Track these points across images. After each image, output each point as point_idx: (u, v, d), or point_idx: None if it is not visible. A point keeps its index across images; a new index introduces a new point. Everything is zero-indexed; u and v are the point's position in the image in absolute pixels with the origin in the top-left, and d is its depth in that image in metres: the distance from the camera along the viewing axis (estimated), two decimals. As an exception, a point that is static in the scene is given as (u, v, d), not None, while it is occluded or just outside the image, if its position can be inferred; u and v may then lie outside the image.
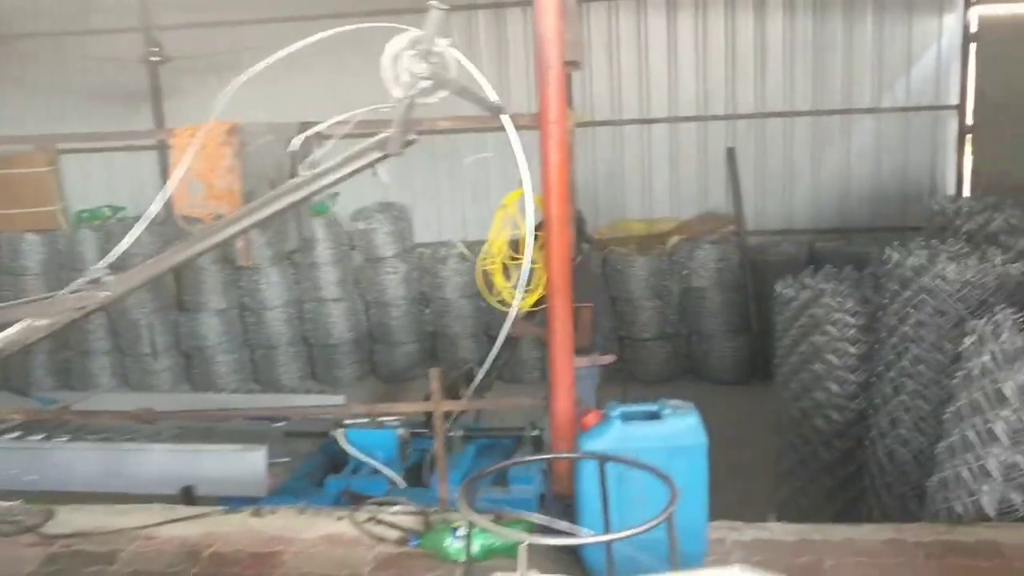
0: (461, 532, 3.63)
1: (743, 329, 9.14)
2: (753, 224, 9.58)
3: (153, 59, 8.34)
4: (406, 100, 2.56)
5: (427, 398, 5.57)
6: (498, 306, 4.12)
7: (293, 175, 3.81)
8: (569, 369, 3.75)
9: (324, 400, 5.84)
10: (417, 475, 5.18)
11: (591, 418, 3.48)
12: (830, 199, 9.45)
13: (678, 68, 9.38)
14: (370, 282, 9.70)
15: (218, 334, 9.72)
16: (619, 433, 3.40)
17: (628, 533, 2.55)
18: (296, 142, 3.38)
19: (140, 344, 9.81)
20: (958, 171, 9.19)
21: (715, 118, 9.42)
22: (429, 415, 5.24)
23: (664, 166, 9.63)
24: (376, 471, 5.00)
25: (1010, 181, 8.07)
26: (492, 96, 2.87)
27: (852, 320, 5.59)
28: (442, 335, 9.65)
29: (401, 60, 2.49)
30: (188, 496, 4.76)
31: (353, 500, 4.86)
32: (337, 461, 5.28)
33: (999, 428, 3.70)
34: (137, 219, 9.67)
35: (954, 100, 9.09)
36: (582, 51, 3.54)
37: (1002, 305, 4.18)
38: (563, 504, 3.73)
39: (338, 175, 2.67)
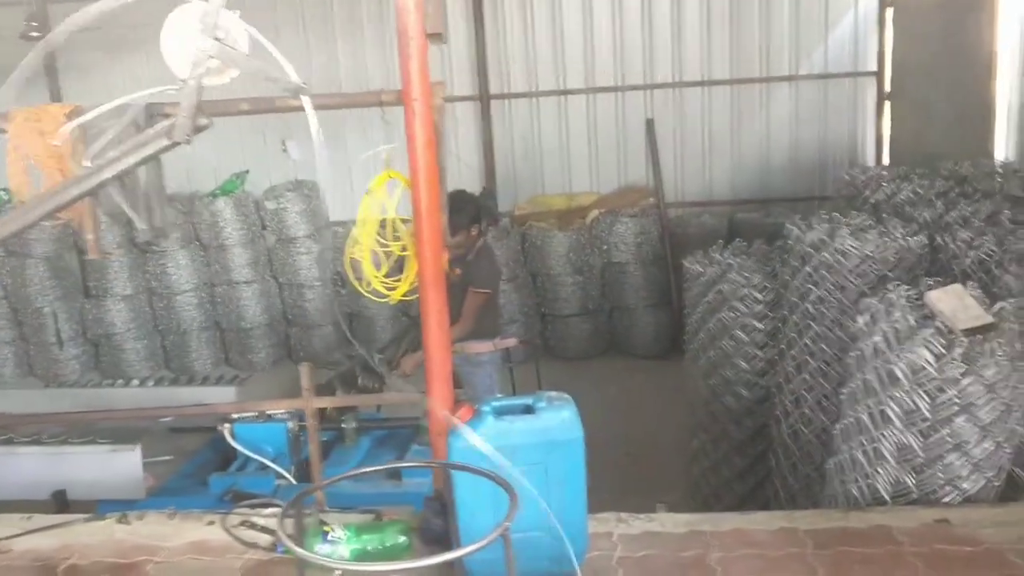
0: (333, 536, 3.42)
1: (664, 303, 9.03)
2: (673, 196, 9.45)
3: (33, 35, 7.90)
4: (192, 81, 2.30)
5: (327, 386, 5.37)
6: (370, 296, 3.88)
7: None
8: (444, 363, 3.53)
9: (213, 393, 5.55)
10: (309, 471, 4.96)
11: (464, 413, 3.27)
12: (750, 170, 9.35)
13: (594, 38, 9.17)
14: (283, 263, 9.40)
15: (126, 320, 9.37)
16: (491, 429, 3.20)
17: (468, 550, 2.35)
18: (63, 132, 3.09)
19: (45, 333, 9.42)
20: (877, 139, 9.12)
21: (633, 88, 9.23)
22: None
23: (582, 139, 9.44)
24: (265, 467, 4.77)
25: (926, 148, 8.03)
26: (292, 76, 2.61)
27: (759, 296, 5.44)
28: (359, 316, 9.40)
29: (186, 36, 2.23)
30: (60, 501, 4.49)
31: (237, 500, 4.63)
32: (228, 457, 5.04)
33: (890, 410, 3.57)
34: (9, 201, 9.20)
35: (872, 67, 9.01)
36: (445, 22, 3.28)
37: (896, 282, 4.06)
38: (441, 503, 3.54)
39: (123, 165, 2.39)
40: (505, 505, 3.16)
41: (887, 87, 8.94)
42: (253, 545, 3.65)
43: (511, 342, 5.98)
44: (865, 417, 3.73)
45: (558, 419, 3.22)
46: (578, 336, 9.23)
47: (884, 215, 5.17)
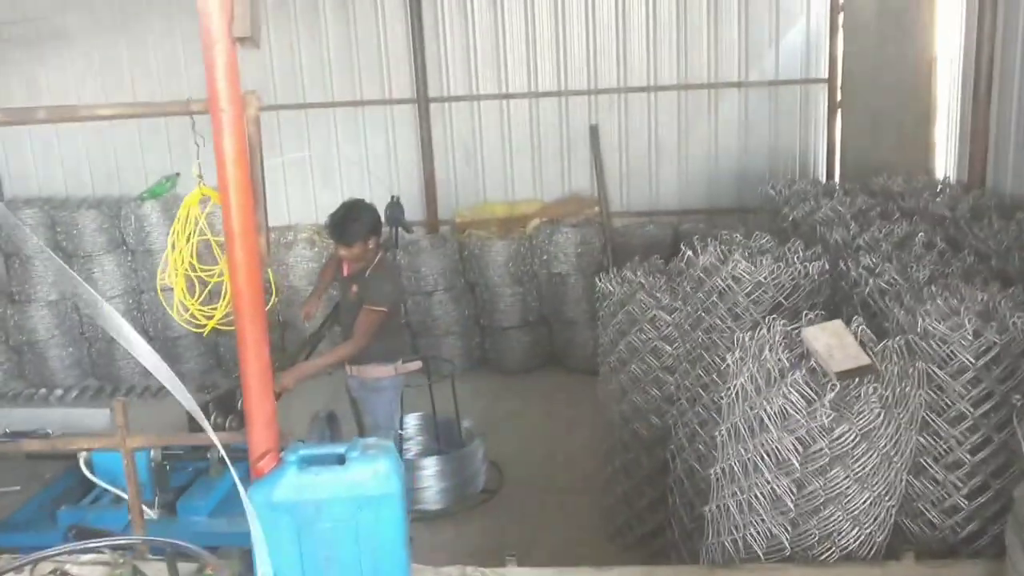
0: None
1: (605, 317, 8.68)
2: (618, 205, 9.12)
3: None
4: None
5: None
6: (188, 326, 3.54)
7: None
8: (264, 402, 3.18)
9: (84, 416, 5.20)
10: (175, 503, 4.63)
11: (267, 462, 2.93)
12: (697, 179, 9.02)
13: (536, 41, 8.83)
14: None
15: (49, 327, 9.02)
16: (294, 481, 2.87)
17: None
18: None
19: (-35, 338, 9.09)
20: (828, 149, 8.78)
21: (576, 93, 8.89)
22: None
23: (525, 145, 9.10)
24: (120, 500, 4.43)
25: (874, 160, 7.72)
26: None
27: (669, 318, 5.11)
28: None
29: None
30: None
31: (80, 536, 4.30)
32: (89, 487, 4.70)
33: (760, 459, 3.24)
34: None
35: (823, 74, 8.67)
36: (257, 26, 2.94)
37: (783, 312, 3.73)
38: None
39: None
40: (310, 562, 2.85)
41: (838, 95, 8.59)
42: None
43: (414, 366, 5.62)
44: (735, 464, 3.40)
45: (370, 472, 2.88)
46: (517, 349, 8.89)
47: (792, 236, 4.85)
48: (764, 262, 4.12)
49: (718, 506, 3.58)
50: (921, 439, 3.46)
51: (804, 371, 3.25)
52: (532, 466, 6.97)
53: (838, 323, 3.33)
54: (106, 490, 4.48)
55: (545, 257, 8.73)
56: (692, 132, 8.90)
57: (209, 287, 3.43)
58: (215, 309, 3.46)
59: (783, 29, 8.59)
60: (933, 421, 3.42)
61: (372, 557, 2.89)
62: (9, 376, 9.25)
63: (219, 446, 3.01)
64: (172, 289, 3.49)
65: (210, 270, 3.33)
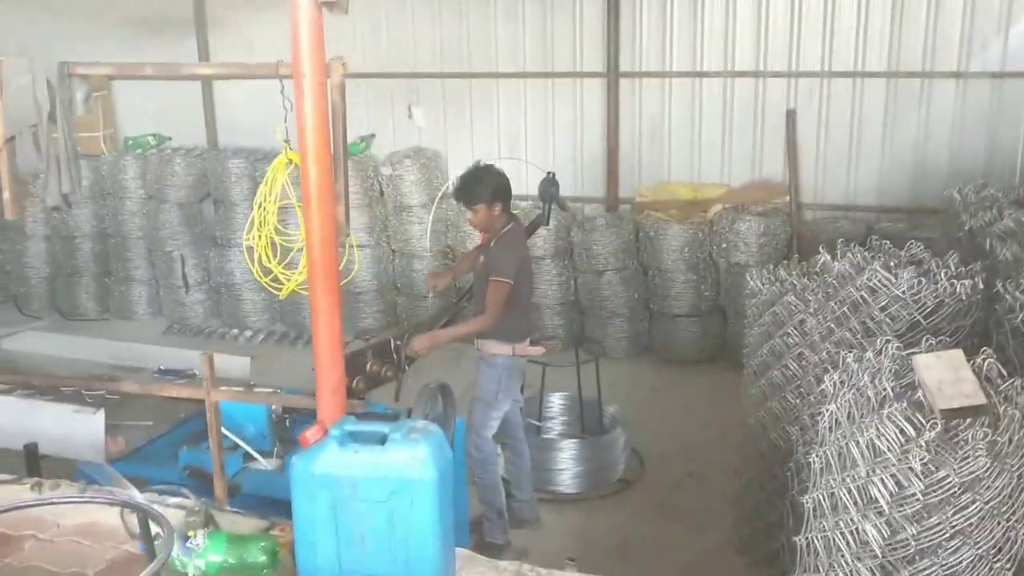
0: (192, 543, 3.17)
1: (781, 313, 8.19)
2: (810, 197, 8.55)
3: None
4: None
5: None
6: (272, 288, 3.57)
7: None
8: (333, 371, 3.18)
9: (226, 363, 5.40)
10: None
11: (313, 433, 2.91)
12: (900, 174, 8.28)
13: (736, 17, 8.36)
14: (395, 230, 9.27)
15: (244, 271, 9.54)
16: (334, 456, 2.83)
17: None
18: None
19: (173, 276, 9.80)
20: (1058, 151, 7.84)
21: (775, 75, 8.37)
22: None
23: (716, 126, 8.67)
24: (236, 447, 4.61)
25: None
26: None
27: (815, 323, 4.71)
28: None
29: None
30: (31, 454, 4.51)
31: (193, 476, 4.50)
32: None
33: (844, 494, 2.91)
34: (179, 149, 9.64)
35: (1058, 67, 7.73)
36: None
37: (924, 334, 3.32)
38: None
39: None
40: (346, 536, 2.81)
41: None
42: (134, 536, 3.46)
43: (536, 350, 5.47)
44: (824, 497, 3.07)
45: (408, 456, 2.81)
46: (686, 339, 8.58)
47: (968, 247, 4.33)
48: (905, 274, 3.68)
49: (807, 540, 3.26)
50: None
51: (907, 404, 2.87)
52: (677, 462, 6.72)
53: (957, 353, 2.92)
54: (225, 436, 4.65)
55: (724, 245, 8.35)
56: (899, 124, 8.18)
57: (292, 254, 3.44)
58: (298, 274, 3.47)
59: (1016, 14, 7.69)
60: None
61: (405, 542, 2.82)
62: (208, 314, 9.92)
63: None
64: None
65: (291, 236, 3.34)
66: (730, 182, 8.75)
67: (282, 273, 3.46)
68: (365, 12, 9.16)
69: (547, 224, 6.19)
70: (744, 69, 8.44)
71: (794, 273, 4.99)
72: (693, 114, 8.72)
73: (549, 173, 6.01)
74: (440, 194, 9.14)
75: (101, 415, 4.36)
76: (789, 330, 4.83)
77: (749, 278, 5.30)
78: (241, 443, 4.57)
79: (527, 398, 6.60)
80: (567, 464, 6.32)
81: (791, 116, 8.43)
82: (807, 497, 3.26)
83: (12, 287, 10.36)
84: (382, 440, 2.85)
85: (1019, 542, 2.91)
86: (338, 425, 2.91)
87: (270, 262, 3.43)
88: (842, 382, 3.02)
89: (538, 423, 6.58)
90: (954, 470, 2.71)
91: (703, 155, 8.79)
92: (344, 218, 3.16)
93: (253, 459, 4.63)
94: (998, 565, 2.92)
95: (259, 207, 3.44)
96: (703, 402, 7.65)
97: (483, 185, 5.14)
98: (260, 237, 3.40)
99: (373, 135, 9.48)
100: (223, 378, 5.10)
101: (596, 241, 8.48)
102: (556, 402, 6.89)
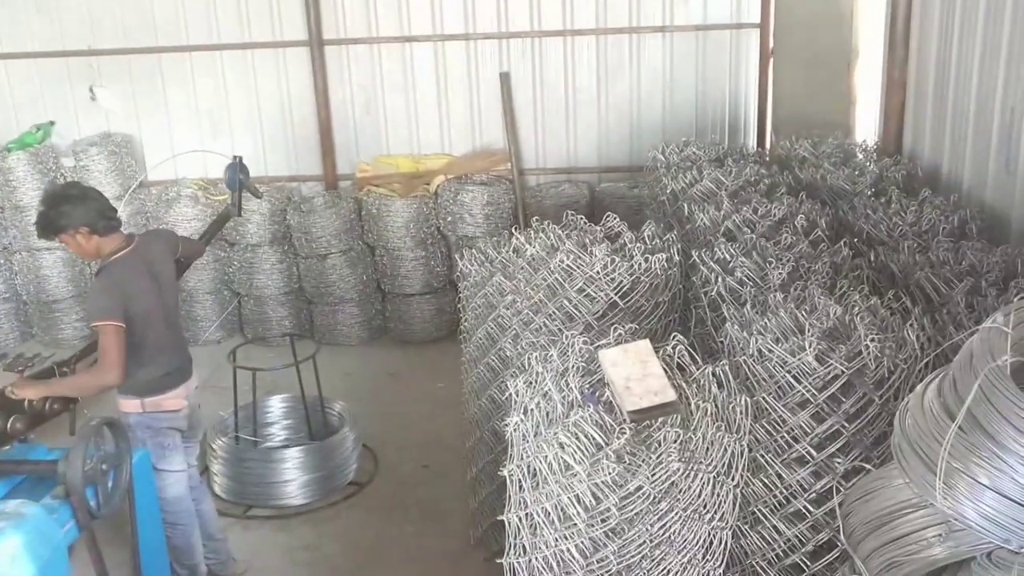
0: None
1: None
2: (532, 162, 8.36)
3: None
4: None
5: None
6: None
7: None
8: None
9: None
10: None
11: None
12: (618, 134, 8.24)
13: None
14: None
15: None
16: None
17: None
18: None
19: None
20: (760, 100, 8.02)
21: (486, 37, 8.06)
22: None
23: (430, 93, 8.28)
24: None
25: (804, 116, 6.97)
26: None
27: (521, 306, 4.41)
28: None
29: None
30: None
31: None
32: None
33: (539, 512, 2.57)
34: None
35: (755, 18, 7.87)
36: None
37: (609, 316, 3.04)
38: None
39: None
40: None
41: (771, 42, 7.81)
42: None
43: (175, 403, 4.51)
44: (519, 517, 2.73)
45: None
46: (422, 318, 8.21)
47: (672, 212, 4.14)
48: (598, 252, 3.41)
49: (513, 562, 2.92)
50: (757, 482, 2.80)
51: (597, 406, 2.56)
52: (413, 454, 6.34)
53: (644, 345, 2.65)
54: None
55: (450, 218, 8.01)
56: (612, 83, 8.11)
57: None
58: None
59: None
60: (770, 464, 2.75)
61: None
62: None
63: None
64: None
65: None
66: (451, 151, 8.41)
67: None
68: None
69: (239, 215, 5.54)
70: (454, 32, 8.07)
71: (502, 252, 4.67)
72: (406, 82, 8.28)
73: (235, 157, 5.38)
74: (136, 184, 8.26)
75: None
76: (501, 312, 4.52)
77: (458, 259, 4.94)
78: None
79: (242, 406, 6.01)
80: (291, 474, 5.79)
81: (505, 79, 8.16)
82: (505, 516, 2.93)
83: None
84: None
85: (724, 541, 2.69)
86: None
87: None
88: (528, 385, 2.67)
89: (254, 438, 5.99)
90: (647, 478, 2.43)
91: (421, 125, 8.40)
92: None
93: None
94: (709, 566, 2.70)
95: None
96: (445, 381, 7.30)
97: (56, 212, 4.23)
98: None
99: (52, 122, 8.38)
100: None
101: (315, 223, 7.90)
102: (276, 406, 6.33)
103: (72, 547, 3.36)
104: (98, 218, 4.27)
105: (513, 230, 4.50)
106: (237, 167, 5.34)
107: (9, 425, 4.10)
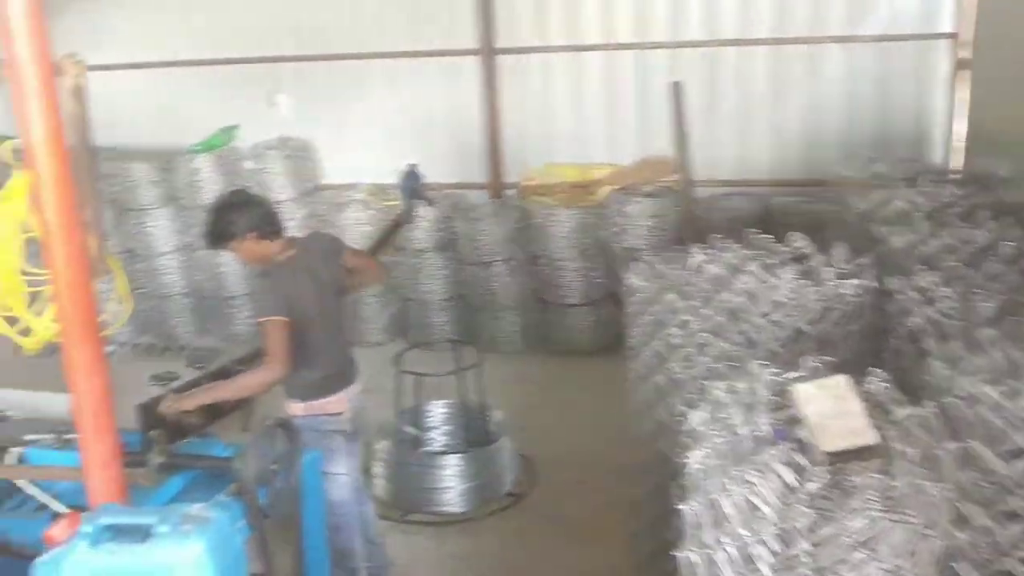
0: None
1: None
2: (702, 173, 8.12)
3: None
4: None
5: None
6: (26, 343, 2.89)
7: None
8: (102, 437, 2.58)
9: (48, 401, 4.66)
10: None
11: (61, 529, 2.32)
12: (794, 146, 7.95)
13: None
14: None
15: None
16: (84, 559, 2.24)
17: None
18: None
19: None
20: (950, 115, 7.55)
21: (657, 46, 7.91)
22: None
23: (599, 102, 8.22)
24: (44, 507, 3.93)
25: (1017, 129, 6.45)
26: None
27: (696, 327, 4.24)
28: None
29: None
30: None
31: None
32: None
33: (723, 553, 2.43)
34: None
35: (949, 28, 7.42)
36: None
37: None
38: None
39: None
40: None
41: (966, 54, 7.32)
42: None
43: (337, 406, 4.53)
44: (698, 557, 2.59)
45: (176, 556, 2.23)
46: (581, 329, 8.13)
47: (844, 234, 3.89)
48: (786, 275, 3.22)
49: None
50: (962, 536, 2.56)
51: (788, 444, 2.40)
52: (570, 468, 6.24)
53: (841, 380, 2.46)
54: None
55: (615, 229, 7.89)
56: (788, 93, 7.83)
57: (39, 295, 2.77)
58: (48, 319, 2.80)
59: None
60: (977, 517, 2.51)
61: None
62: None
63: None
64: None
65: (37, 275, 2.65)
66: (618, 161, 8.30)
67: (33, 321, 2.79)
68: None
69: (411, 221, 5.61)
70: (625, 41, 7.96)
71: (673, 267, 4.52)
72: (575, 91, 8.23)
73: (409, 166, 5.45)
74: (313, 187, 8.53)
75: None
76: (673, 331, 4.36)
77: (625, 272, 4.82)
78: (52, 503, 3.89)
79: (404, 410, 6.06)
80: (451, 481, 5.80)
81: (676, 88, 7.97)
82: (679, 553, 2.78)
83: None
84: (146, 535, 2.26)
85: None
86: (91, 517, 2.32)
87: (22, 310, 2.74)
88: (711, 419, 2.53)
89: (415, 430, 6.04)
90: (844, 528, 2.25)
91: (588, 134, 8.34)
92: (98, 252, 2.55)
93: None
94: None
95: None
96: (599, 398, 7.14)
97: (224, 221, 4.30)
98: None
99: (237, 126, 8.74)
100: (32, 420, 4.46)
101: (481, 231, 7.95)
102: (437, 411, 6.36)
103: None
104: (264, 223, 4.34)
105: (688, 245, 4.36)
106: (410, 174, 5.41)
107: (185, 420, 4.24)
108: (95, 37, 8.78)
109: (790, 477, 2.27)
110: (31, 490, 3.94)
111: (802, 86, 7.79)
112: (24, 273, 2.70)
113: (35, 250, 2.47)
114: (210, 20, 8.58)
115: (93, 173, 2.54)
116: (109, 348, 8.02)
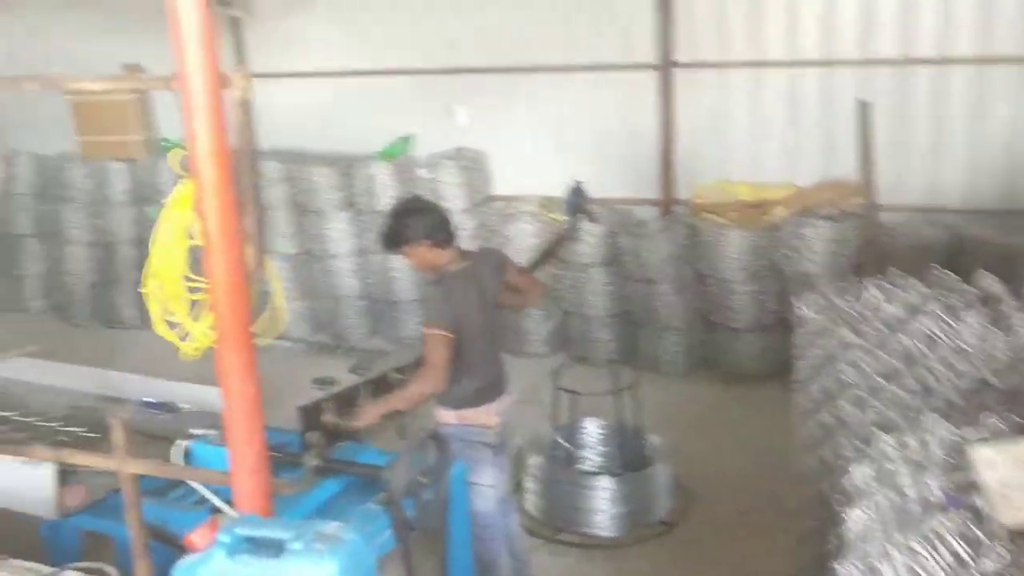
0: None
1: (853, 328, 7.39)
2: (887, 198, 7.67)
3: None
4: None
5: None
6: (185, 348, 2.97)
7: None
8: (251, 443, 2.63)
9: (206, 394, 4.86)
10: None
11: (203, 535, 2.36)
12: (991, 172, 7.38)
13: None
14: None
15: (284, 279, 9.10)
16: (220, 569, 2.27)
17: None
18: None
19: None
20: None
21: (845, 63, 7.53)
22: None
23: (779, 120, 7.88)
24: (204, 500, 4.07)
25: None
26: None
27: (868, 367, 3.97)
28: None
29: None
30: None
31: (160, 539, 3.99)
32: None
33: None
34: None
35: None
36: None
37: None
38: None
39: None
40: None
41: None
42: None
43: (488, 418, 4.54)
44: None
45: (310, 573, 2.22)
46: (747, 354, 7.83)
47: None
48: (970, 320, 2.95)
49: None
50: None
51: (962, 511, 2.17)
52: (729, 499, 6.01)
53: (1029, 445, 2.21)
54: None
55: (789, 253, 7.57)
56: (990, 114, 7.28)
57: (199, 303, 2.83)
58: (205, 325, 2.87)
59: None
60: None
61: None
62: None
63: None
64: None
65: (198, 282, 2.73)
66: (797, 181, 7.95)
67: (194, 327, 2.87)
68: (402, 3, 8.65)
69: (574, 237, 5.55)
70: (810, 58, 7.62)
71: (847, 300, 4.25)
72: (755, 107, 7.94)
73: (576, 182, 5.39)
74: (484, 198, 8.59)
75: (50, 468, 3.88)
76: (841, 367, 4.11)
77: (798, 302, 4.58)
78: (212, 498, 4.02)
79: (559, 427, 5.99)
80: (602, 504, 5.68)
81: (864, 108, 7.56)
82: None
83: (54, 295, 10.15)
84: (280, 550, 2.27)
85: None
86: (230, 527, 2.34)
87: (184, 315, 2.83)
88: (876, 475, 2.33)
89: (570, 446, 5.97)
90: (1023, 612, 2.01)
91: (765, 152, 8.02)
92: (256, 262, 2.60)
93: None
94: None
95: (162, 249, 2.83)
96: (763, 426, 6.86)
97: (401, 225, 4.41)
98: (162, 285, 2.81)
99: (413, 136, 8.93)
100: (203, 413, 4.65)
101: (647, 247, 7.79)
102: (592, 431, 6.25)
103: (383, 558, 3.43)
104: (438, 231, 4.43)
105: (867, 275, 4.11)
106: (576, 191, 5.35)
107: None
108: (287, 46, 9.19)
109: (962, 552, 2.05)
110: (194, 483, 4.09)
111: (1005, 107, 7.22)
112: (186, 279, 2.80)
113: (196, 257, 2.56)
114: (389, 32, 8.78)
115: (255, 184, 2.58)
116: (286, 344, 8.37)
